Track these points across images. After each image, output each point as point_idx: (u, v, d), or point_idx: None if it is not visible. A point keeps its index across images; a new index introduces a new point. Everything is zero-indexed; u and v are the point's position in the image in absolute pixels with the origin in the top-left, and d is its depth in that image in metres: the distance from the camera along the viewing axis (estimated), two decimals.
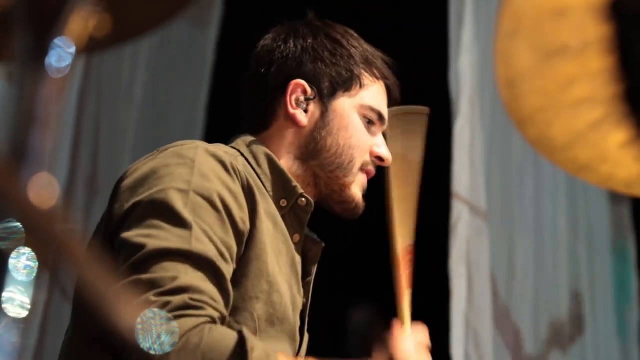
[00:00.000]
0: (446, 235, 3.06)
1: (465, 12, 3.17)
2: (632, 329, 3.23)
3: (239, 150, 1.63)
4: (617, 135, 0.84)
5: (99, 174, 3.40)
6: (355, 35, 1.77)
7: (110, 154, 3.44)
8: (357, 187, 1.71)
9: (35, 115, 0.53)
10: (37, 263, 0.55)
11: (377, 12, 3.53)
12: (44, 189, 0.52)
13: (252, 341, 1.32)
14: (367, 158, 1.71)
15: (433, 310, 3.26)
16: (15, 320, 0.58)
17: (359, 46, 1.74)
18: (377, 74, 1.74)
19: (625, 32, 0.56)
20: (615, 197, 3.27)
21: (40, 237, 0.52)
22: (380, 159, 1.73)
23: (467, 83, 3.14)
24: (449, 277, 3.00)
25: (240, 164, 1.55)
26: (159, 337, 0.65)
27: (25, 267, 0.56)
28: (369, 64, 1.73)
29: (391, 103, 1.78)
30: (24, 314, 0.59)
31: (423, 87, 3.58)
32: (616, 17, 0.58)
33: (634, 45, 0.56)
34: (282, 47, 1.71)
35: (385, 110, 1.75)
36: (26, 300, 0.59)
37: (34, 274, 0.57)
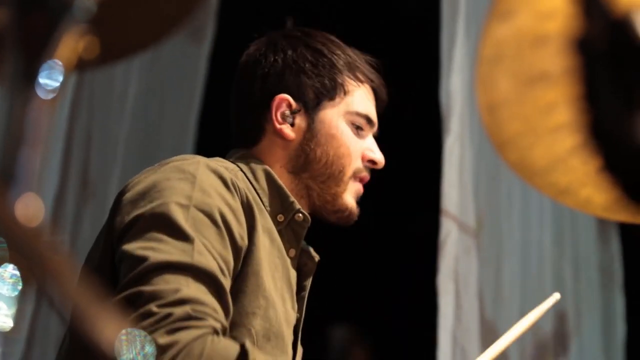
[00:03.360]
0: (434, 252, 3.07)
1: (457, 32, 3.20)
2: (617, 348, 3.25)
3: (238, 166, 1.64)
4: (596, 160, 0.86)
5: (89, 185, 3.41)
6: (337, 41, 1.76)
7: (101, 165, 3.44)
8: (349, 195, 1.71)
9: (24, 136, 0.55)
10: (23, 278, 0.57)
11: (370, 31, 3.56)
12: (30, 208, 0.54)
13: (255, 354, 1.34)
14: (359, 164, 1.72)
15: (420, 327, 3.27)
16: (1, 332, 0.60)
17: (340, 53, 1.73)
18: (361, 77, 1.73)
19: (590, 68, 0.58)
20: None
21: (26, 254, 0.53)
22: (373, 162, 1.74)
23: (458, 101, 3.16)
24: (437, 294, 3.01)
25: (240, 179, 1.56)
26: (142, 352, 0.67)
27: (11, 279, 0.58)
28: (352, 69, 1.73)
29: (379, 104, 1.78)
30: (9, 325, 0.60)
31: (414, 105, 3.61)
32: (583, 52, 0.60)
33: (597, 81, 0.58)
34: (263, 62, 1.71)
35: (373, 113, 1.75)
36: (11, 313, 0.60)
37: (20, 288, 0.58)
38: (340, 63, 1.72)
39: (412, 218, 3.53)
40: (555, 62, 0.80)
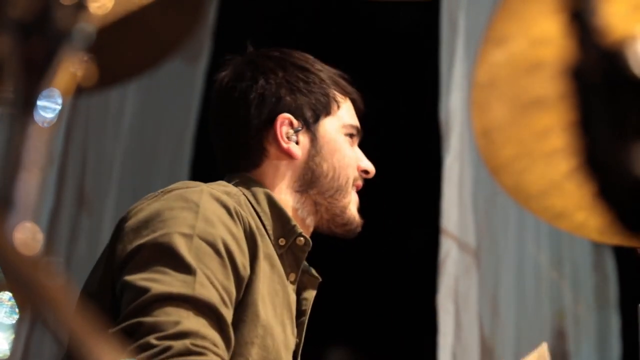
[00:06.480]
0: (434, 270, 3.07)
1: (456, 51, 3.21)
2: None
3: (240, 190, 1.63)
4: (591, 185, 0.86)
5: (85, 203, 3.41)
6: (313, 58, 1.78)
7: (97, 184, 3.44)
8: (354, 205, 1.74)
9: (22, 163, 0.55)
10: (19, 305, 0.57)
11: (370, 50, 3.57)
12: (28, 236, 0.54)
13: None
14: (357, 173, 1.75)
15: (420, 346, 3.27)
16: None
17: (323, 68, 1.76)
18: (343, 91, 1.77)
19: (583, 96, 0.59)
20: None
21: (23, 282, 0.54)
22: (365, 171, 1.77)
23: (457, 120, 3.17)
24: (437, 313, 3.01)
25: (243, 204, 1.56)
26: None
27: (7, 310, 0.58)
28: (336, 83, 1.76)
29: (358, 114, 1.81)
30: (5, 352, 0.61)
31: (414, 124, 3.62)
32: (576, 80, 0.61)
33: (590, 110, 0.59)
34: (255, 86, 1.70)
35: (358, 123, 1.79)
36: (9, 340, 0.61)
37: (17, 315, 0.59)
38: (326, 78, 1.75)
39: (412, 237, 3.53)
40: (550, 88, 0.81)
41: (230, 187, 1.61)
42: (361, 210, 1.78)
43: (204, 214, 1.46)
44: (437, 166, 3.17)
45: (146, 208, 1.50)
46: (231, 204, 1.51)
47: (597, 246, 3.31)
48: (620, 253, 3.27)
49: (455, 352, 2.99)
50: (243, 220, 1.52)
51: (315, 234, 1.77)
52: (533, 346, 3.17)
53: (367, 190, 1.80)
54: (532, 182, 0.91)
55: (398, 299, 3.54)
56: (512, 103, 0.85)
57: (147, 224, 1.46)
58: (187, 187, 1.53)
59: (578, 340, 3.22)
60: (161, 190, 1.55)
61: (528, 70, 0.82)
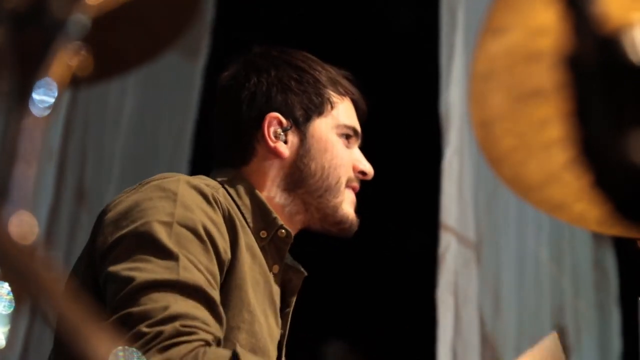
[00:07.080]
0: (434, 265, 3.07)
1: (455, 45, 3.21)
2: None
3: (220, 183, 1.64)
4: (589, 175, 0.86)
5: (84, 200, 3.41)
6: (314, 57, 1.78)
7: (96, 180, 3.45)
8: (347, 204, 1.73)
9: (18, 153, 0.55)
10: (16, 296, 0.57)
11: (369, 44, 3.57)
12: (24, 226, 0.54)
13: (246, 357, 1.35)
14: (352, 174, 1.74)
15: (420, 340, 3.27)
16: None
17: (320, 68, 1.76)
18: (342, 90, 1.76)
19: (580, 85, 0.59)
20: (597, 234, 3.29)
21: (20, 272, 0.54)
22: (363, 173, 1.76)
23: (457, 114, 3.17)
24: (436, 307, 3.01)
25: (222, 195, 1.58)
26: None
27: (4, 300, 0.58)
28: (333, 83, 1.75)
29: (359, 115, 1.80)
30: (1, 343, 0.60)
31: (414, 118, 3.62)
32: (573, 69, 0.60)
33: (588, 99, 0.59)
34: (247, 84, 1.71)
35: (357, 124, 1.78)
36: (5, 331, 0.60)
37: (14, 306, 0.59)
38: (322, 78, 1.74)
39: (411, 231, 3.53)
40: (548, 78, 0.81)
41: (209, 180, 1.62)
42: (360, 204, 1.77)
43: (182, 201, 1.48)
44: (437, 160, 3.17)
45: (125, 200, 1.51)
46: (208, 191, 1.53)
47: (597, 241, 3.31)
48: (620, 248, 3.27)
49: (455, 347, 2.99)
50: (221, 207, 1.53)
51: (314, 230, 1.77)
52: (533, 340, 3.18)
53: (367, 186, 1.79)
54: (531, 174, 0.91)
55: (398, 293, 3.54)
56: (511, 94, 0.85)
57: (126, 215, 1.47)
58: (164, 178, 1.55)
59: (578, 334, 3.23)
60: (140, 182, 1.56)
61: (526, 60, 0.82)
